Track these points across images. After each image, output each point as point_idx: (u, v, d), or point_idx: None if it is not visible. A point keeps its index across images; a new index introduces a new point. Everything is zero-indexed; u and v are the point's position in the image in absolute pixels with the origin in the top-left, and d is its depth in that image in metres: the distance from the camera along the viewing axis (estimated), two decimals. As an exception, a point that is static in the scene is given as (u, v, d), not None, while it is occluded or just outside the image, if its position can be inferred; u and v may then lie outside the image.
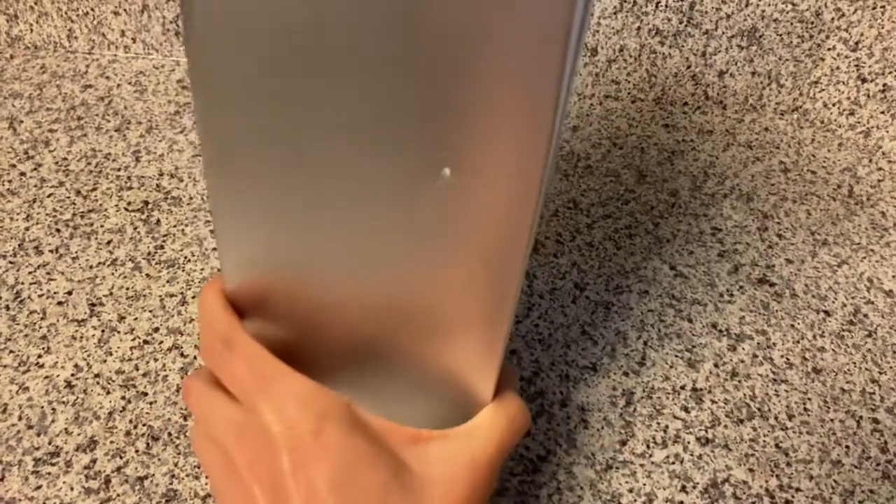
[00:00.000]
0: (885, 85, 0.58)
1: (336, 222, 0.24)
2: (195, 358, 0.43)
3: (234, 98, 0.21)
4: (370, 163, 0.22)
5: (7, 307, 0.45)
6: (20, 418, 0.40)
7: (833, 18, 0.58)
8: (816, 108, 0.62)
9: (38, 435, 0.39)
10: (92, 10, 0.62)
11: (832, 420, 0.43)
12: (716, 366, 0.45)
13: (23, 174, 0.53)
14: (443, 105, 0.20)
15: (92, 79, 0.62)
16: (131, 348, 0.43)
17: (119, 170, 0.54)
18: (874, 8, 0.56)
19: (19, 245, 0.48)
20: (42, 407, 0.40)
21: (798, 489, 0.39)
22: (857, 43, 0.58)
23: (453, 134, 0.21)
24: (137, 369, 0.42)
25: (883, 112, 0.59)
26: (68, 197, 0.52)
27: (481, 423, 0.29)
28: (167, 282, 0.47)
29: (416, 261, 0.24)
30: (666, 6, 0.58)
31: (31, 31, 0.64)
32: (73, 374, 0.42)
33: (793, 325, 0.47)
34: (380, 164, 0.22)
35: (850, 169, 0.59)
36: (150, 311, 0.45)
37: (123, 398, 0.41)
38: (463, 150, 0.21)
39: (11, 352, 0.43)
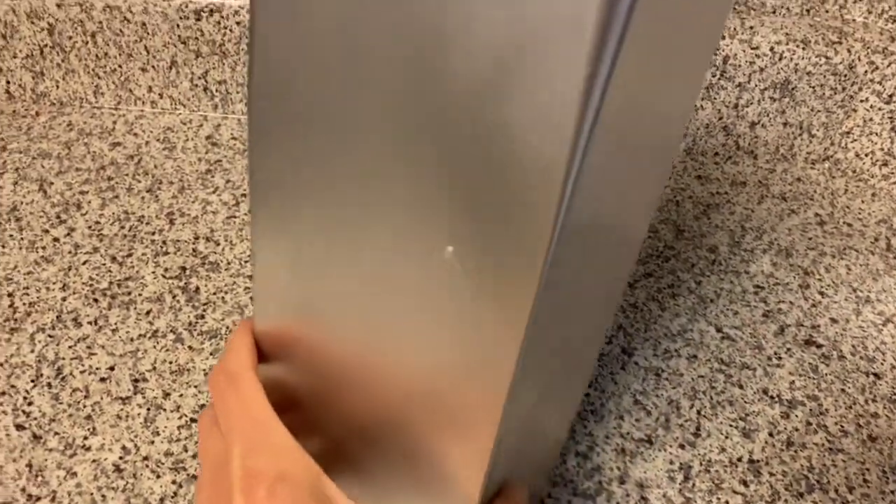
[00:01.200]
0: (920, 137, 0.59)
1: (356, 280, 0.25)
2: (244, 436, 0.42)
3: (285, 148, 0.23)
4: (390, 233, 0.23)
5: (49, 385, 0.44)
6: (70, 506, 0.39)
7: (867, 71, 0.58)
8: (848, 158, 0.62)
9: (90, 524, 0.38)
10: (119, 66, 0.62)
11: (892, 492, 0.42)
12: (771, 435, 0.44)
13: (56, 240, 0.52)
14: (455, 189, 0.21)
15: (120, 136, 0.61)
16: (178, 427, 0.42)
17: (153, 233, 0.53)
18: (909, 62, 0.56)
19: (57, 317, 0.47)
20: (92, 494, 0.39)
21: (865, 568, 0.38)
22: (890, 96, 0.58)
23: (460, 214, 0.21)
24: (186, 450, 0.41)
25: (918, 164, 0.59)
26: (104, 264, 0.51)
27: None
28: (210, 354, 0.46)
29: (419, 336, 0.25)
30: (700, 60, 0.58)
31: (58, 87, 0.63)
32: (121, 457, 0.41)
33: (843, 390, 0.47)
34: (397, 239, 0.23)
35: (886, 221, 0.59)
36: (195, 387, 0.44)
37: (174, 482, 0.40)
38: (466, 229, 0.21)
39: (56, 433, 0.42)
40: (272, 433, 0.27)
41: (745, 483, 0.42)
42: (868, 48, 0.58)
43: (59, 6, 0.59)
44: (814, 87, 0.59)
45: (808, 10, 0.60)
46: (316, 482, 0.26)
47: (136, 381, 0.44)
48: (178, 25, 0.60)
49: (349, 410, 0.29)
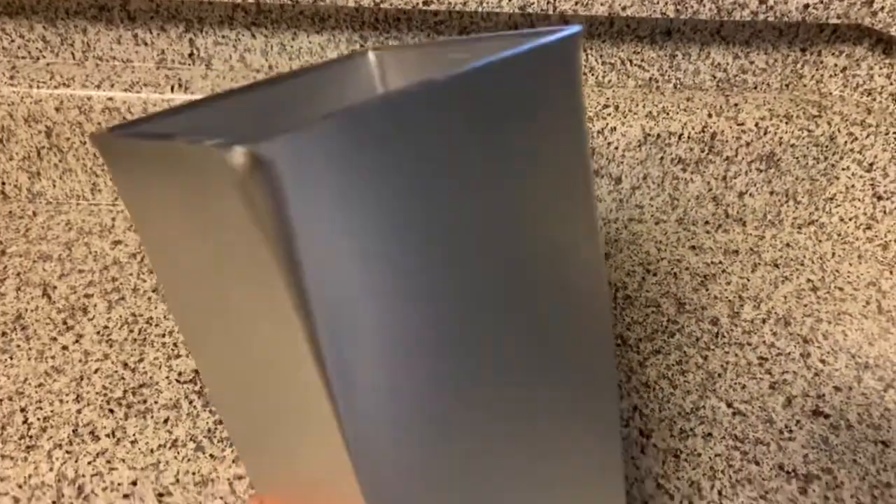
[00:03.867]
0: (901, 203, 0.61)
1: None
2: (276, 548, 0.41)
3: None
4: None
5: (72, 505, 0.43)
6: None
7: (846, 142, 0.61)
8: (833, 222, 0.65)
9: None
10: (117, 163, 0.62)
11: (911, 562, 0.43)
12: (791, 512, 0.45)
13: (65, 348, 0.52)
14: None
15: (120, 233, 0.61)
16: (208, 542, 0.42)
17: (164, 335, 0.53)
18: (886, 133, 0.59)
19: (74, 431, 0.47)
20: None
21: None
22: (871, 164, 0.61)
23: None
24: (218, 566, 0.41)
25: (901, 228, 0.62)
26: (116, 371, 0.51)
27: None
28: (233, 462, 0.46)
29: None
30: (689, 137, 0.60)
31: (54, 186, 0.63)
32: (152, 579, 0.40)
33: (855, 460, 0.48)
34: None
35: (875, 283, 0.61)
36: (221, 498, 0.44)
37: None
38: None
39: (84, 558, 0.41)
40: None
41: (772, 565, 0.43)
42: (846, 120, 0.60)
43: (57, 110, 0.59)
44: (797, 158, 0.62)
45: (787, 85, 0.62)
46: None
47: (161, 495, 0.44)
48: (176, 123, 0.60)
49: None
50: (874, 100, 0.60)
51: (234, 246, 0.18)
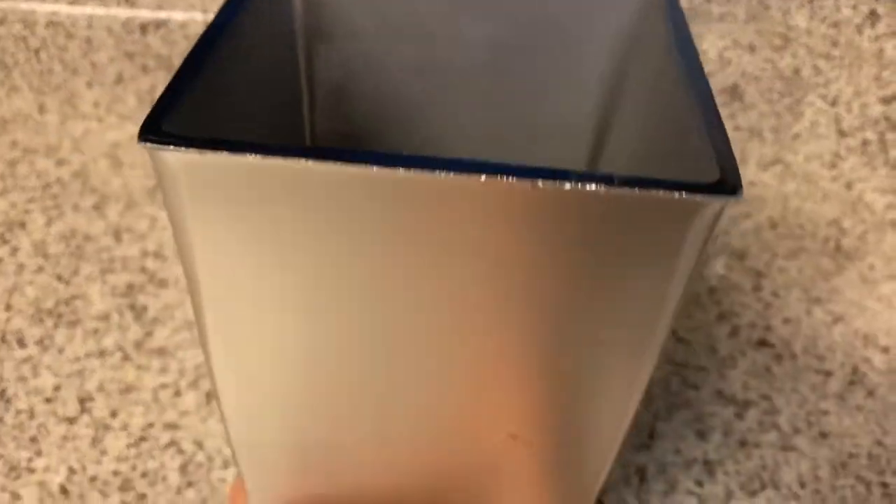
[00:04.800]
0: (864, 139, 0.60)
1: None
2: (194, 454, 0.41)
3: None
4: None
5: (-9, 408, 0.43)
6: (12, 532, 0.38)
7: (811, 75, 0.59)
8: (798, 161, 0.63)
9: (33, 550, 0.37)
10: (64, 82, 0.61)
11: (843, 486, 0.42)
12: (725, 435, 0.44)
13: (0, 260, 0.51)
14: None
15: (66, 153, 0.60)
16: (127, 446, 0.41)
17: (100, 251, 0.52)
18: (850, 66, 0.58)
19: (1, 338, 0.46)
20: (35, 518, 0.38)
21: (820, 565, 0.39)
22: (835, 98, 0.59)
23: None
24: (135, 469, 0.40)
25: (864, 165, 0.60)
26: (50, 283, 0.50)
27: None
28: (159, 372, 0.45)
29: None
30: (648, 67, 0.59)
31: (1, 105, 0.62)
32: (67, 478, 0.40)
33: (795, 389, 0.47)
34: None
35: (836, 222, 0.60)
36: (144, 405, 0.43)
37: (123, 502, 0.39)
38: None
39: (1, 456, 0.40)
40: None
41: (699, 483, 0.42)
42: (812, 52, 0.59)
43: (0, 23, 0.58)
44: (761, 92, 0.60)
45: (753, 17, 0.61)
46: None
47: (83, 400, 0.43)
48: (123, 40, 0.59)
49: None
50: (840, 32, 0.58)
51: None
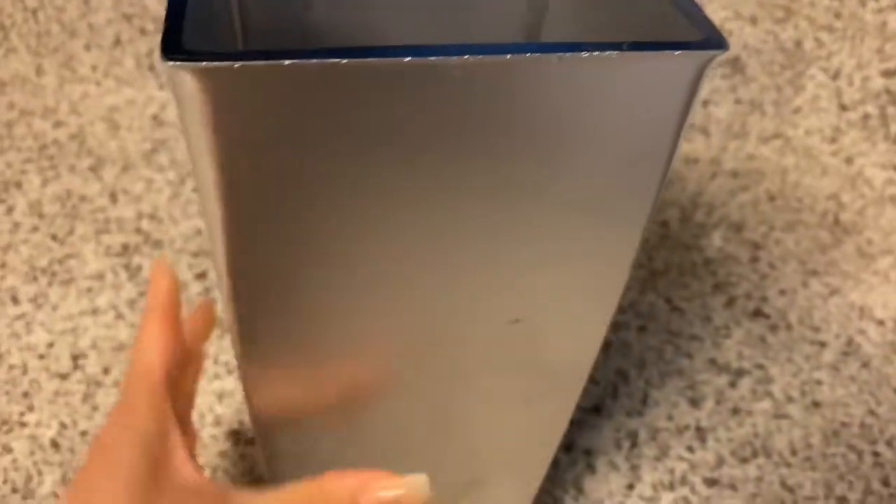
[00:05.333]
0: (865, 113, 0.59)
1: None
2: (186, 411, 0.41)
3: None
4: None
5: (-16, 363, 0.43)
6: (5, 481, 0.38)
7: (813, 48, 0.59)
8: (799, 136, 0.63)
9: (24, 499, 0.37)
10: (62, 44, 0.60)
11: (834, 455, 0.42)
12: (717, 403, 0.44)
13: (-5, 218, 0.51)
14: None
15: (63, 115, 0.60)
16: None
17: (96, 212, 0.52)
18: (853, 38, 0.57)
19: (-6, 295, 0.46)
20: (27, 469, 0.38)
21: (809, 530, 0.39)
22: (837, 71, 0.59)
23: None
24: (125, 426, 0.40)
25: (864, 139, 0.60)
26: (44, 242, 0.50)
27: None
28: (153, 330, 0.45)
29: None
30: (649, 37, 0.58)
31: (-1, 66, 0.61)
32: (58, 433, 0.40)
33: (789, 358, 0.47)
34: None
35: (835, 196, 0.59)
36: (137, 363, 0.43)
37: (112, 458, 0.39)
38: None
39: (-9, 411, 0.41)
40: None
41: (690, 449, 0.42)
42: (814, 25, 0.58)
43: (-2, -18, 0.57)
44: (763, 64, 0.60)
45: (756, -12, 0.60)
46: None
47: (76, 357, 0.43)
48: (121, 2, 0.58)
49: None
50: (843, 4, 0.58)
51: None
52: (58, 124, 0.59)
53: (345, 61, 0.16)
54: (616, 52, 0.17)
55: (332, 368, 0.24)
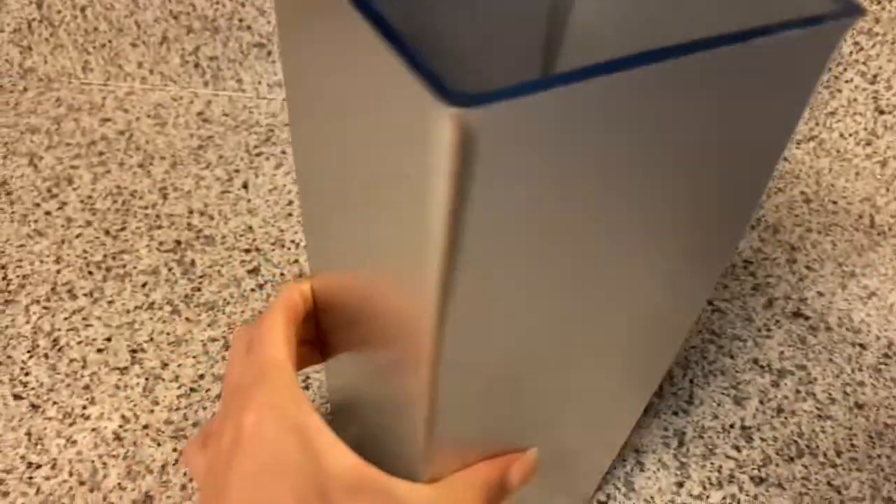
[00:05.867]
0: (902, 117, 0.60)
1: None
2: (244, 406, 0.42)
3: None
4: None
5: (46, 355, 0.44)
6: (71, 474, 0.39)
7: (851, 52, 0.59)
8: (833, 138, 0.63)
9: (91, 491, 0.38)
10: (109, 41, 0.61)
11: (879, 456, 0.43)
12: (761, 402, 0.45)
13: (48, 213, 0.52)
14: None
15: (110, 112, 0.60)
16: (178, 397, 0.42)
17: (147, 208, 0.53)
18: (893, 43, 0.58)
19: (52, 289, 0.47)
20: (93, 461, 0.39)
21: (855, 528, 0.40)
22: (875, 76, 0.59)
23: None
24: (186, 419, 0.41)
25: (901, 143, 0.61)
26: (97, 237, 0.51)
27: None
28: (208, 325, 0.46)
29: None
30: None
31: (46, 62, 0.62)
32: (120, 426, 0.41)
33: (831, 359, 0.48)
34: None
35: (870, 199, 0.60)
36: (194, 357, 0.44)
37: (175, 450, 0.40)
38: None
39: (55, 403, 0.41)
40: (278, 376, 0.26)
41: (737, 448, 0.43)
42: (853, 28, 0.59)
43: (48, -21, 0.58)
44: (800, 68, 0.60)
45: (794, -8, 0.60)
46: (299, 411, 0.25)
47: (134, 351, 0.44)
48: (169, 0, 0.59)
49: None
50: (883, 8, 0.58)
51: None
52: (105, 120, 0.60)
53: (636, 69, 0.15)
54: (795, 29, 0.17)
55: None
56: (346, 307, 0.27)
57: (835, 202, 0.60)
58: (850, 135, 0.63)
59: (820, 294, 0.52)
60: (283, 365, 0.26)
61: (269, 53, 0.61)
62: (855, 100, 0.61)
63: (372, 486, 0.24)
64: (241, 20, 0.59)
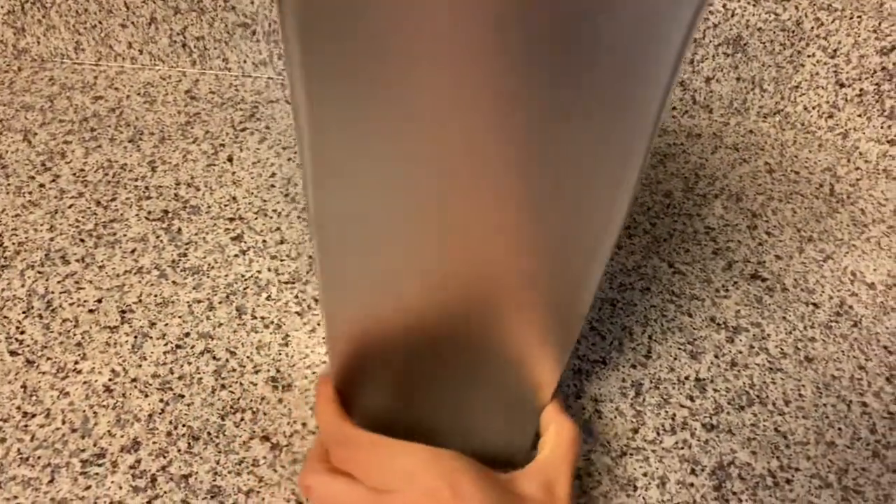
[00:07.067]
0: (861, 90, 0.62)
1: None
2: (227, 361, 0.45)
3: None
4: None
5: (40, 316, 0.46)
6: (63, 422, 0.41)
7: (812, 27, 0.61)
8: (797, 112, 0.66)
9: (83, 437, 0.41)
10: (99, 22, 0.64)
11: (825, 405, 0.46)
12: (716, 357, 0.48)
13: (42, 186, 0.55)
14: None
15: (101, 90, 0.63)
16: (164, 353, 0.45)
17: (136, 180, 0.55)
18: (851, 18, 0.60)
19: (46, 255, 0.50)
20: (84, 411, 0.42)
21: (797, 469, 0.42)
22: (835, 51, 0.62)
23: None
24: (172, 373, 0.44)
25: (860, 115, 0.63)
26: (89, 207, 0.53)
27: (549, 456, 0.34)
28: (193, 288, 0.48)
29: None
30: (656, 16, 0.61)
31: (39, 43, 0.65)
32: (110, 379, 0.44)
33: (785, 318, 0.51)
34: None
35: (831, 169, 0.63)
36: (180, 317, 0.47)
37: (161, 401, 0.43)
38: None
39: (49, 359, 0.44)
40: (410, 453, 0.32)
41: (691, 398, 0.45)
42: (814, 5, 0.61)
43: (40, -38, 0.61)
44: (764, 43, 0.63)
45: (758, -30, 0.63)
46: (468, 461, 0.31)
47: (123, 312, 0.47)
48: (156, -18, 0.62)
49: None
50: (842, -15, 0.60)
51: None
52: (97, 98, 0.62)
53: None
54: None
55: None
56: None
57: (797, 172, 0.62)
58: (814, 108, 0.65)
59: (778, 257, 0.55)
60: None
61: (254, 33, 0.64)
62: (817, 73, 0.64)
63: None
64: (225, 1, 0.62)
